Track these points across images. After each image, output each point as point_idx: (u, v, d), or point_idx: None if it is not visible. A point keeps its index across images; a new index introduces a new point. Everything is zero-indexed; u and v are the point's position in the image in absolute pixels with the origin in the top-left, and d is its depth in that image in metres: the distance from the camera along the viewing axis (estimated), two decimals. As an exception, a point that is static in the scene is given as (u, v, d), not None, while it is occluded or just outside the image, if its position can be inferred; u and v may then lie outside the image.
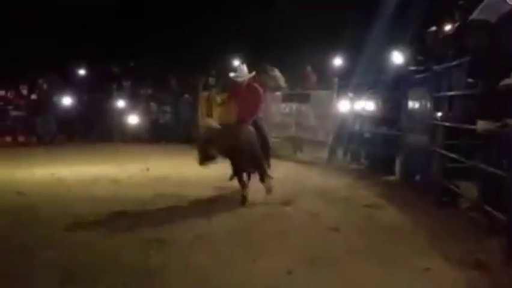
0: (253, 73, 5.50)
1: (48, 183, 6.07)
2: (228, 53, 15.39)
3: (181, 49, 15.06)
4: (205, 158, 4.95)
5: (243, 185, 5.20)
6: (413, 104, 6.26)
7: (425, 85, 5.87)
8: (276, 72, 10.59)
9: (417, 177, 6.24)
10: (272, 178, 5.41)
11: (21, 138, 11.49)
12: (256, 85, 5.53)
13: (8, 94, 12.28)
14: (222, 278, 3.10)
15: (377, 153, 7.17)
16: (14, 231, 4.01)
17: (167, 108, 12.25)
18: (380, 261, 3.42)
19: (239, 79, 5.39)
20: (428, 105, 5.74)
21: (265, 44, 14.28)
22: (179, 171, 6.95)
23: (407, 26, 7.40)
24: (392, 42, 7.97)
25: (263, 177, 5.28)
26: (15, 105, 11.69)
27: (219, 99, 12.08)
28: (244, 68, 5.45)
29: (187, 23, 15.86)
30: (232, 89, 5.60)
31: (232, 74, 5.47)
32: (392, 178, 6.73)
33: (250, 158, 5.15)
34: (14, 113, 11.51)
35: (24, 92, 11.95)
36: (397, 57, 7.25)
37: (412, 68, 6.52)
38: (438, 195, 5.12)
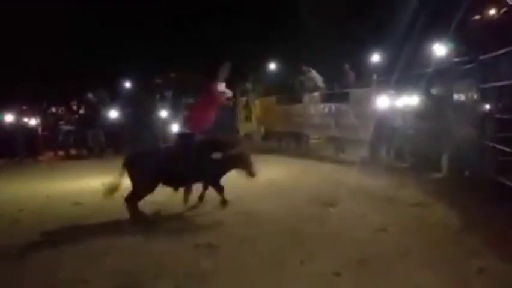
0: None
1: (100, 193, 6.35)
2: (263, 57, 15.52)
3: (218, 57, 15.36)
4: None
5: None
6: (458, 97, 6.06)
7: (470, 76, 5.67)
8: (313, 73, 10.56)
9: (467, 173, 6.02)
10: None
11: (73, 152, 12.09)
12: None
13: (59, 110, 13.01)
14: (271, 281, 3.15)
15: (422, 150, 6.97)
16: (73, 239, 4.24)
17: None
18: (431, 262, 3.36)
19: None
20: (475, 97, 5.54)
21: (301, 45, 14.26)
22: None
23: (448, 16, 7.14)
24: (433, 34, 7.73)
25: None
26: (66, 120, 12.33)
27: (257, 103, 12.23)
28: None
29: (222, 30, 16.16)
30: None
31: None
32: (439, 175, 6.54)
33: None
34: (65, 128, 12.12)
35: (74, 107, 12.58)
36: (439, 50, 7.03)
37: (456, 59, 6.31)
38: (490, 191, 4.92)
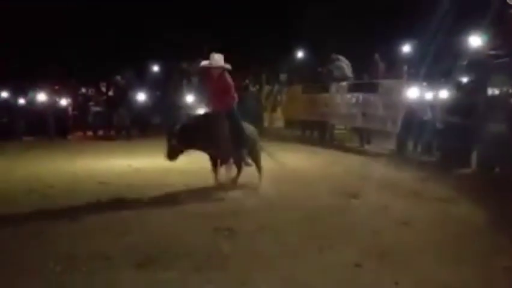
0: (227, 65, 5.40)
1: (125, 173, 6.51)
2: (292, 46, 15.33)
3: (249, 44, 15.35)
4: (172, 154, 5.23)
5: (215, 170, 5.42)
6: (492, 91, 5.85)
7: (506, 70, 5.46)
8: (342, 62, 10.38)
9: (497, 170, 5.84)
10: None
11: (100, 132, 12.39)
12: (227, 76, 5.41)
13: (89, 91, 13.31)
14: (289, 268, 3.13)
15: (451, 144, 6.78)
16: (97, 215, 4.35)
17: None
18: (453, 258, 3.28)
19: (212, 65, 5.33)
20: (510, 91, 5.34)
21: (331, 32, 14.02)
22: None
23: (484, 7, 6.85)
24: (469, 24, 7.44)
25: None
26: (95, 101, 12.61)
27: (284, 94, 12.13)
28: (217, 56, 5.34)
29: (253, 18, 16.08)
30: (204, 77, 5.62)
31: (205, 62, 5.40)
32: (467, 171, 6.38)
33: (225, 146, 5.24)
34: (94, 109, 12.42)
35: (103, 89, 12.84)
36: (475, 41, 6.78)
37: (492, 52, 6.07)
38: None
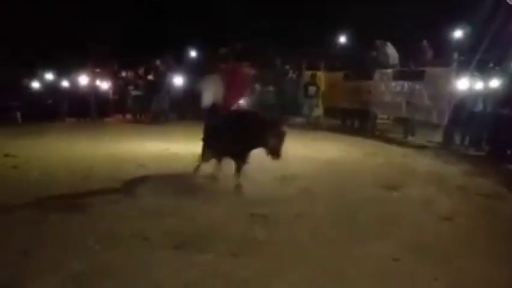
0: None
1: (163, 157, 6.62)
2: (335, 31, 14.91)
3: (288, 29, 15.11)
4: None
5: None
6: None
7: None
8: (389, 48, 9.97)
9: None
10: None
11: (139, 116, 12.62)
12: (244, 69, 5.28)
13: (129, 75, 13.53)
14: (325, 259, 3.09)
15: (501, 138, 6.41)
16: (135, 197, 4.45)
17: (271, 88, 12.35)
18: (497, 258, 3.16)
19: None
20: None
21: (377, 18, 13.50)
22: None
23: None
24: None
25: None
26: (135, 85, 12.84)
27: (323, 78, 11.84)
28: None
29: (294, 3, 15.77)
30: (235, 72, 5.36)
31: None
32: (517, 167, 6.02)
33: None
34: (133, 93, 12.66)
35: (141, 72, 13.01)
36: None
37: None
38: None
